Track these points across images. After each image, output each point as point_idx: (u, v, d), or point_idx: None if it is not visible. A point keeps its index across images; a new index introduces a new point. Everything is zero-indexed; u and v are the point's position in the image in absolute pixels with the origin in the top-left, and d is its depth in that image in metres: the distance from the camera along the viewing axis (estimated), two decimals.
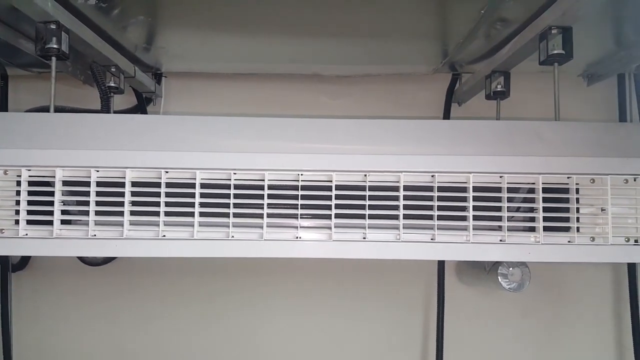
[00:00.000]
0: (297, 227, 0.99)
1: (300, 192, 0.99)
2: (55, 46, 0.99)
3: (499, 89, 1.25)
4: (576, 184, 0.99)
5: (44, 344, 1.49)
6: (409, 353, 1.49)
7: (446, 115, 1.46)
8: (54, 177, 0.96)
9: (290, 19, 1.12)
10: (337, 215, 0.99)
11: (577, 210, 0.99)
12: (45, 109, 1.07)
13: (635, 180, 0.99)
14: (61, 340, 1.49)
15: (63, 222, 0.97)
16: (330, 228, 0.99)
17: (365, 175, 0.99)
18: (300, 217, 0.99)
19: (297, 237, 0.99)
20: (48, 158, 0.96)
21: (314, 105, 1.49)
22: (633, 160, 0.99)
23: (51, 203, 0.96)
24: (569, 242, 0.99)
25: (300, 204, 0.99)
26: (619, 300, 1.47)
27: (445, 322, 1.38)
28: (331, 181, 0.99)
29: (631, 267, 1.40)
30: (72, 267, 1.46)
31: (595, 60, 1.34)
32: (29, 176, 0.97)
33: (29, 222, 0.97)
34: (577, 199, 0.99)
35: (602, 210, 0.99)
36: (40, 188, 0.97)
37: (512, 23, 1.09)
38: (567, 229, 1.00)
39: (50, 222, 0.96)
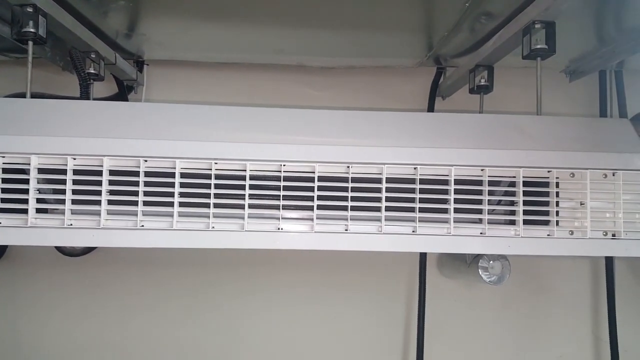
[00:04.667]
0: (279, 219, 0.98)
1: (283, 183, 0.98)
2: (32, 30, 0.97)
3: (482, 83, 1.26)
4: (556, 178, 1.00)
5: (21, 337, 1.46)
6: (391, 344, 1.50)
7: (430, 109, 1.46)
8: (29, 164, 0.94)
9: (275, 8, 1.10)
10: (320, 207, 0.98)
11: (557, 204, 1.00)
12: (22, 96, 1.04)
13: (614, 175, 1.00)
14: (40, 334, 1.46)
15: (38, 210, 0.95)
16: (312, 219, 0.98)
17: (348, 167, 0.99)
18: (283, 209, 0.98)
19: (279, 229, 0.98)
20: (23, 145, 0.94)
21: (298, 96, 1.48)
22: (612, 155, 1.00)
23: (26, 191, 0.94)
24: (548, 235, 1.00)
25: (283, 195, 0.98)
26: (596, 293, 1.50)
27: (426, 314, 1.39)
28: (314, 172, 0.98)
29: (609, 260, 1.42)
30: (51, 258, 1.43)
31: (578, 57, 1.36)
32: (3, 163, 0.94)
33: (2, 210, 0.94)
34: (557, 193, 1.00)
35: (581, 204, 1.00)
36: (15, 175, 0.95)
37: (497, 17, 1.09)
38: (546, 223, 1.01)
39: (25, 211, 0.94)
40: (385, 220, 0.98)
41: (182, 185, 0.97)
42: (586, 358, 1.51)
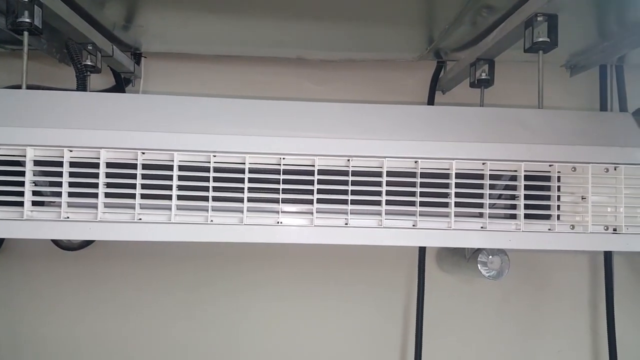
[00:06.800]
0: (278, 212, 0.97)
1: (282, 177, 0.97)
2: (27, 20, 0.95)
3: (483, 77, 1.25)
4: (558, 172, 1.00)
5: (18, 330, 1.45)
6: (390, 338, 1.49)
7: (430, 103, 1.45)
8: (25, 156, 0.93)
9: (275, 1, 1.09)
10: (319, 201, 0.97)
11: (558, 198, 1.00)
12: (18, 88, 1.02)
13: (615, 169, 1.00)
14: (36, 328, 1.45)
15: (34, 203, 0.94)
16: (312, 213, 0.97)
17: (349, 160, 0.98)
18: (282, 202, 0.97)
19: (278, 222, 0.97)
20: (19, 137, 0.92)
21: (298, 89, 1.47)
22: (614, 149, 1.00)
23: (22, 183, 0.92)
24: (549, 229, 0.99)
25: (282, 189, 0.97)
26: (595, 287, 1.50)
27: (425, 308, 1.39)
28: (313, 165, 0.97)
29: (607, 255, 1.43)
30: (48, 251, 1.41)
31: (579, 51, 1.35)
32: None
33: None
34: (559, 187, 1.00)
35: (582, 198, 1.00)
36: (11, 168, 0.93)
37: (498, 10, 1.08)
38: (547, 217, 1.00)
39: (21, 204, 0.92)
40: (386, 214, 0.98)
41: (180, 178, 0.95)
42: (584, 352, 1.51)
